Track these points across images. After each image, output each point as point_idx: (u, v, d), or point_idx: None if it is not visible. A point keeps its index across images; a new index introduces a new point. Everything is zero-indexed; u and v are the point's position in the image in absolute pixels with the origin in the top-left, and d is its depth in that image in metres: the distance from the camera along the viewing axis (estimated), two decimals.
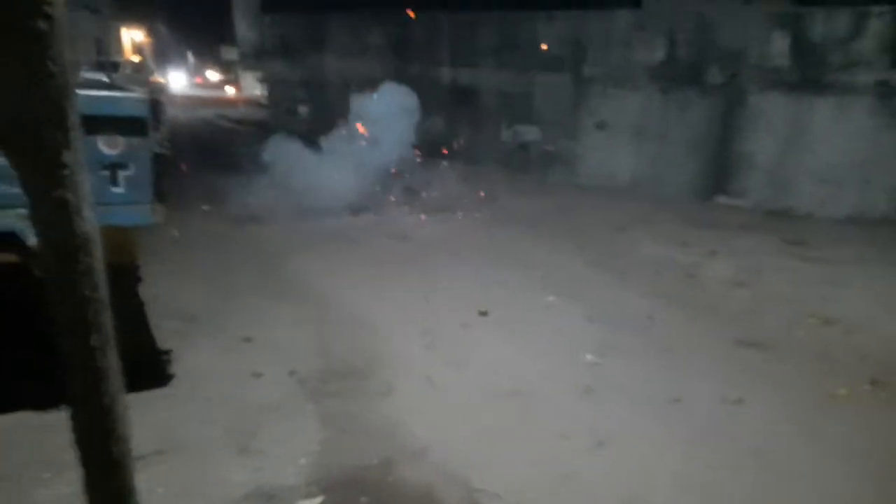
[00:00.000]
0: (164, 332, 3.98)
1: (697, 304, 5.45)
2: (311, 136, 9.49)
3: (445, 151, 12.88)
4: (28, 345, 2.72)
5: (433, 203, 9.18)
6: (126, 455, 1.31)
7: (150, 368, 3.56)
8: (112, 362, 1.26)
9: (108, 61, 14.43)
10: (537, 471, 3.02)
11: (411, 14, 13.77)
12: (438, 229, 7.86)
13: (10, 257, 2.87)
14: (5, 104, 1.07)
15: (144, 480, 2.65)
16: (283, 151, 8.84)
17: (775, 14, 9.53)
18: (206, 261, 5.94)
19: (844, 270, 6.20)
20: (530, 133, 12.71)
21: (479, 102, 13.57)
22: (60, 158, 1.11)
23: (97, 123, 3.16)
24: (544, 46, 12.20)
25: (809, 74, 9.32)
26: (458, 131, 13.73)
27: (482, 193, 9.78)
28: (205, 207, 7.69)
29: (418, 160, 10.73)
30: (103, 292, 1.23)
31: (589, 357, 4.29)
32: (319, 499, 2.69)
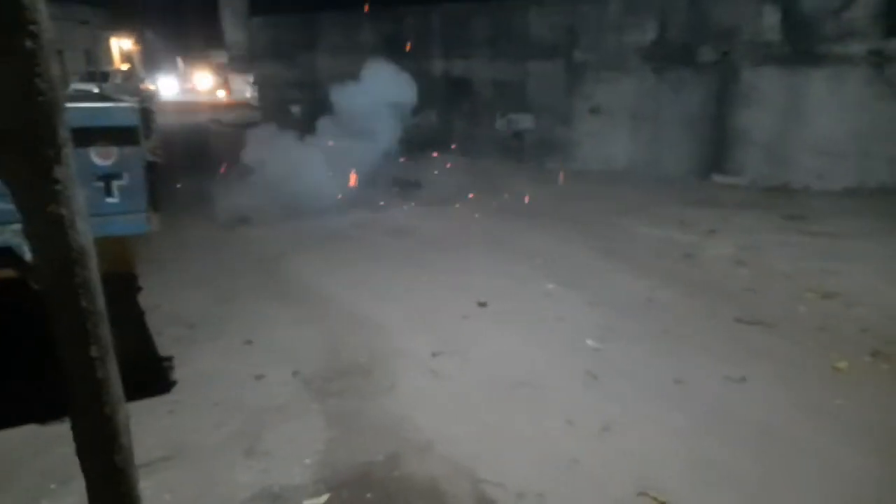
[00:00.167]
0: (166, 339, 4.01)
1: (697, 283, 5.46)
2: (303, 135, 9.41)
3: (440, 143, 12.88)
4: (30, 358, 2.74)
5: (428, 196, 9.18)
6: (129, 463, 1.32)
7: (152, 375, 3.58)
8: (112, 372, 1.28)
9: (98, 72, 14.43)
10: (543, 458, 3.04)
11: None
12: (434, 222, 7.86)
13: (8, 273, 2.89)
14: None
15: (151, 487, 2.70)
16: (272, 151, 8.74)
17: None
18: (203, 266, 5.96)
19: (844, 243, 6.21)
20: (525, 121, 12.70)
21: (472, 93, 13.55)
22: (52, 174, 1.12)
23: (89, 135, 3.18)
24: (537, 33, 12.18)
25: (802, 47, 9.30)
26: (452, 123, 13.72)
27: (477, 185, 9.77)
28: (200, 212, 7.67)
29: (413, 151, 10.68)
30: (100, 304, 1.25)
31: (591, 343, 4.31)
32: (325, 497, 2.71)
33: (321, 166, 8.56)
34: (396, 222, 7.88)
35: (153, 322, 4.23)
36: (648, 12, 10.78)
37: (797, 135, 9.44)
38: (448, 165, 10.92)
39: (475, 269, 5.94)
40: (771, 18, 9.56)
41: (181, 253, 6.18)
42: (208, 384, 3.68)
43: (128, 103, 3.41)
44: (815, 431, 3.24)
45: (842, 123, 9.03)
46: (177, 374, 3.76)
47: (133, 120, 3.28)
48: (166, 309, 4.64)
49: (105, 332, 1.26)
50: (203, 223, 7.22)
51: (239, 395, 3.58)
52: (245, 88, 12.19)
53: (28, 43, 1.02)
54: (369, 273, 5.86)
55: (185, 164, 7.63)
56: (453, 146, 12.98)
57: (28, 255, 2.38)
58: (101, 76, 14.11)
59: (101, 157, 3.27)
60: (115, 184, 3.31)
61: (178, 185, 7.25)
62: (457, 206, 8.70)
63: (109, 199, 3.29)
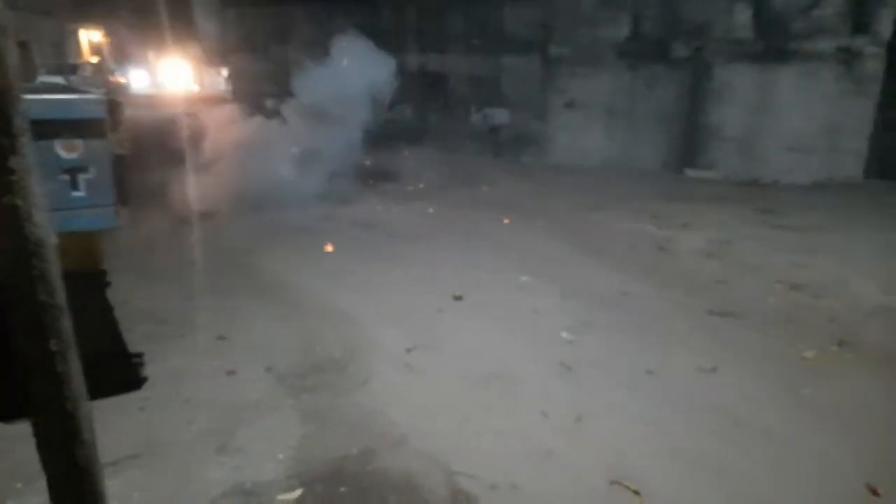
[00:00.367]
0: (136, 336, 3.93)
1: (670, 276, 5.53)
2: (271, 125, 9.18)
3: (416, 138, 12.86)
4: None
5: (401, 189, 9.14)
6: (92, 460, 1.30)
7: (122, 372, 3.52)
8: (73, 366, 1.26)
9: (66, 64, 14.10)
10: (517, 450, 3.06)
11: None
12: (408, 216, 7.83)
13: None
14: None
15: (120, 486, 2.66)
16: (238, 141, 8.43)
17: None
18: (171, 260, 5.86)
19: (812, 236, 6.32)
20: (500, 116, 12.72)
21: (448, 88, 13.53)
22: (7, 164, 1.10)
23: (54, 127, 3.10)
24: (512, 28, 12.18)
25: (773, 44, 9.44)
26: (428, 117, 13.70)
27: (452, 179, 9.75)
28: (166, 205, 7.50)
29: (387, 145, 10.48)
30: (60, 297, 1.22)
31: (565, 335, 4.33)
32: (299, 492, 2.70)
33: (288, 157, 8.34)
34: (367, 215, 7.82)
35: (123, 318, 4.14)
36: (622, 8, 10.85)
37: (768, 130, 9.59)
38: (422, 159, 10.89)
39: (449, 262, 5.94)
40: (742, 15, 9.69)
41: (149, 247, 6.08)
42: (180, 381, 3.63)
43: (94, 95, 3.34)
44: (785, 419, 3.30)
45: (811, 119, 9.19)
46: (147, 371, 3.69)
47: (99, 112, 3.21)
48: (136, 305, 4.56)
49: (65, 325, 1.24)
50: (169, 217, 7.11)
51: (211, 392, 3.54)
52: (218, 81, 12.07)
53: None
54: (342, 267, 5.82)
55: (153, 156, 7.49)
56: (428, 140, 12.96)
57: None
58: (70, 69, 13.79)
59: (66, 150, 3.19)
60: (82, 177, 3.23)
61: (146, 178, 7.13)
62: (430, 199, 8.67)
63: (76, 193, 3.22)
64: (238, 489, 2.71)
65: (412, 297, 5.06)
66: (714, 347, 4.13)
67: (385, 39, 13.64)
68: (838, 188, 8.51)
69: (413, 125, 13.58)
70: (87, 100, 3.30)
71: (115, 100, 3.45)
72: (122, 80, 12.76)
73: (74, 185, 3.29)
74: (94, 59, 17.06)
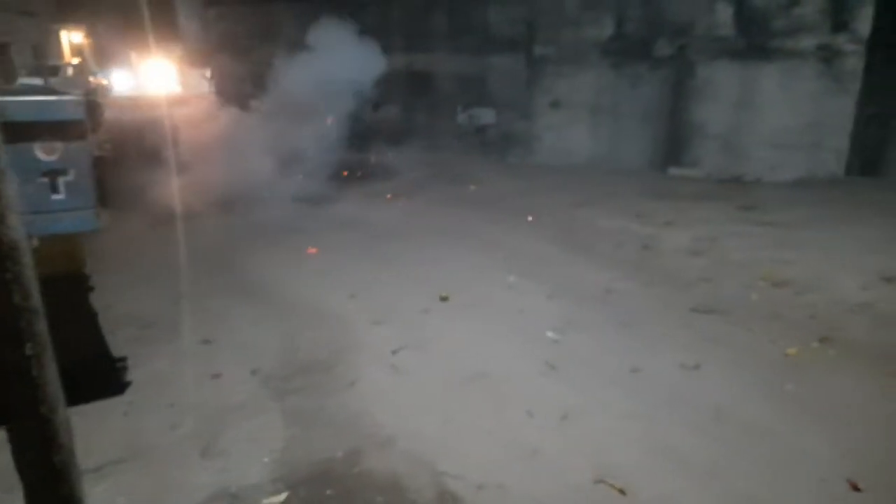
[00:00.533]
0: (120, 340, 3.89)
1: (654, 274, 5.56)
2: (251, 123, 9.04)
3: (402, 137, 12.83)
4: None
5: (387, 187, 9.11)
6: (70, 465, 1.29)
7: (106, 377, 3.49)
8: (49, 371, 1.24)
9: (47, 66, 13.93)
10: (503, 449, 3.06)
11: None
12: (393, 215, 7.82)
13: None
14: None
15: (104, 490, 2.64)
16: (217, 140, 8.26)
17: None
18: (154, 263, 5.82)
19: (794, 233, 6.37)
20: (486, 116, 12.73)
21: (434, 87, 13.51)
22: None
23: (33, 129, 3.06)
24: (497, 28, 12.20)
25: (755, 42, 9.51)
26: (414, 117, 13.67)
27: (438, 178, 9.73)
28: (146, 207, 7.41)
29: (373, 144, 10.32)
30: (36, 300, 1.21)
31: (550, 334, 4.34)
32: (284, 495, 2.68)
33: (270, 156, 8.17)
34: (352, 214, 7.79)
35: (107, 322, 4.10)
36: (605, 7, 10.89)
37: (751, 128, 9.66)
38: (409, 159, 10.87)
39: (436, 261, 5.94)
40: (724, 13, 9.75)
41: (133, 249, 6.03)
42: (164, 385, 3.61)
43: (73, 96, 3.30)
44: (768, 415, 3.33)
45: (793, 116, 9.27)
46: (132, 375, 3.64)
47: (78, 113, 3.17)
48: (120, 308, 4.52)
49: (41, 329, 1.23)
50: (151, 218, 7.05)
51: (196, 396, 3.52)
52: (201, 82, 11.97)
53: None
54: (326, 267, 5.80)
55: (135, 157, 7.44)
56: (415, 140, 12.94)
57: None
58: (51, 70, 13.62)
59: (45, 153, 3.15)
60: (62, 180, 3.19)
61: (128, 180, 7.07)
62: (416, 198, 8.67)
63: (55, 196, 3.18)
64: (223, 493, 2.70)
65: (398, 297, 5.05)
66: (698, 344, 4.15)
67: (371, 39, 13.63)
68: (820, 185, 8.59)
69: (399, 125, 13.55)
70: (66, 101, 3.26)
71: (94, 101, 3.42)
72: (104, 81, 12.61)
73: (54, 188, 3.25)
74: (76, 61, 16.84)
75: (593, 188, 9.03)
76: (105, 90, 11.84)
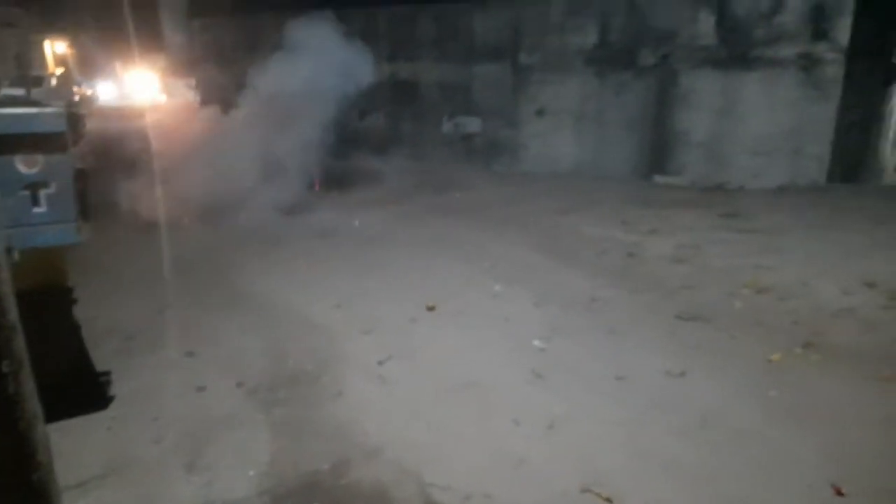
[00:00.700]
0: (104, 353, 3.87)
1: (639, 281, 5.59)
2: (228, 128, 8.91)
3: (387, 146, 12.84)
4: None
5: (372, 196, 9.08)
6: (49, 483, 1.27)
7: (89, 391, 3.45)
8: (26, 387, 1.23)
9: (30, 76, 13.86)
10: (490, 459, 3.06)
11: None
12: (379, 223, 7.78)
13: None
14: None
15: None
16: (196, 147, 8.10)
17: None
18: (138, 275, 5.76)
19: (777, 239, 6.45)
20: (472, 124, 12.78)
21: (419, 96, 13.54)
22: None
23: (13, 142, 3.04)
24: (482, 36, 12.27)
25: (736, 51, 9.64)
26: (399, 126, 13.69)
27: (423, 186, 9.73)
28: (126, 217, 7.32)
29: (358, 152, 10.23)
30: (13, 316, 1.20)
31: (537, 343, 4.36)
32: None
33: (254, 164, 8.02)
34: (338, 223, 7.74)
35: (90, 335, 4.07)
36: (590, 16, 10.99)
37: (733, 136, 9.77)
38: (394, 167, 10.88)
39: (422, 270, 5.94)
40: (706, 23, 9.88)
41: (115, 261, 5.97)
42: (148, 398, 3.57)
43: (54, 108, 3.28)
44: (752, 421, 3.36)
45: (775, 124, 9.39)
46: (115, 389, 3.62)
47: (60, 126, 3.15)
48: (104, 321, 4.48)
49: (19, 346, 1.22)
50: (134, 229, 7.00)
51: (180, 409, 3.49)
52: (185, 92, 11.93)
53: None
54: (312, 276, 5.78)
55: (118, 167, 7.39)
56: (400, 148, 12.96)
57: None
58: (34, 81, 13.55)
59: (26, 165, 3.12)
60: (43, 193, 3.17)
61: (111, 190, 7.02)
62: (402, 207, 8.67)
63: (36, 209, 3.15)
64: None
65: (385, 306, 5.04)
66: (683, 351, 4.18)
67: (358, 44, 13.63)
68: (802, 192, 8.70)
69: (385, 133, 13.57)
70: (46, 113, 3.23)
71: (76, 112, 3.40)
72: (88, 91, 12.54)
73: (35, 201, 3.23)
74: (60, 71, 16.76)
75: (578, 196, 9.09)
76: (89, 100, 11.79)
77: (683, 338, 4.41)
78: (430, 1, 12.88)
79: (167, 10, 17.25)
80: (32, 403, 1.23)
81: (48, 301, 3.53)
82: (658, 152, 10.53)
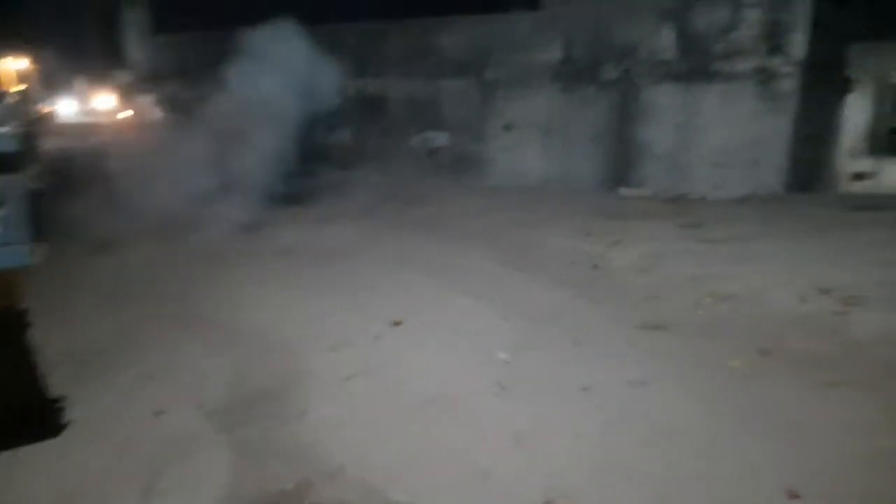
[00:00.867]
0: (58, 378, 3.77)
1: (603, 292, 5.66)
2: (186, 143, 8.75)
3: (355, 161, 12.83)
4: None
5: (338, 212, 9.03)
6: None
7: (41, 419, 3.37)
8: None
9: None
10: (455, 473, 3.06)
11: None
12: (344, 238, 7.72)
13: None
14: None
15: None
16: (151, 164, 8.02)
17: (662, 9, 10.02)
18: (94, 296, 5.65)
19: (737, 248, 6.57)
20: (440, 139, 12.84)
21: (387, 111, 13.57)
22: None
23: None
24: (449, 52, 12.37)
25: (696, 65, 9.86)
26: (367, 141, 13.69)
27: (390, 201, 9.71)
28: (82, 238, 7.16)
29: (326, 167, 10.12)
30: None
31: (502, 355, 4.37)
32: None
33: (216, 178, 7.88)
34: (301, 239, 7.66)
35: (44, 360, 3.98)
36: (555, 32, 11.16)
37: (694, 148, 9.97)
38: (361, 182, 10.87)
39: (387, 285, 5.91)
40: (667, 38, 10.10)
41: (70, 282, 5.84)
42: (104, 424, 3.49)
43: (5, 128, 3.22)
44: (714, 427, 3.41)
45: (734, 136, 9.61)
46: (70, 415, 3.54)
47: (11, 146, 3.10)
48: (59, 344, 4.36)
49: None
50: (91, 249, 6.86)
51: (137, 434, 3.41)
52: (149, 108, 11.79)
53: None
54: (274, 294, 5.71)
55: (77, 186, 7.25)
56: (368, 164, 12.95)
57: None
58: None
59: None
60: None
61: (68, 209, 6.86)
62: (369, 221, 8.64)
63: None
64: None
65: (350, 323, 5.01)
66: (646, 361, 4.23)
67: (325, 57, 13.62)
68: (761, 202, 8.90)
69: (352, 148, 13.55)
70: None
71: (30, 132, 3.35)
72: (49, 108, 12.30)
73: None
74: (20, 88, 16.41)
75: (545, 209, 9.16)
76: (50, 117, 11.56)
77: (645, 347, 4.47)
78: (398, 17, 12.96)
79: (131, 27, 17.07)
80: None
81: (0, 324, 3.46)
82: (622, 165, 10.69)
